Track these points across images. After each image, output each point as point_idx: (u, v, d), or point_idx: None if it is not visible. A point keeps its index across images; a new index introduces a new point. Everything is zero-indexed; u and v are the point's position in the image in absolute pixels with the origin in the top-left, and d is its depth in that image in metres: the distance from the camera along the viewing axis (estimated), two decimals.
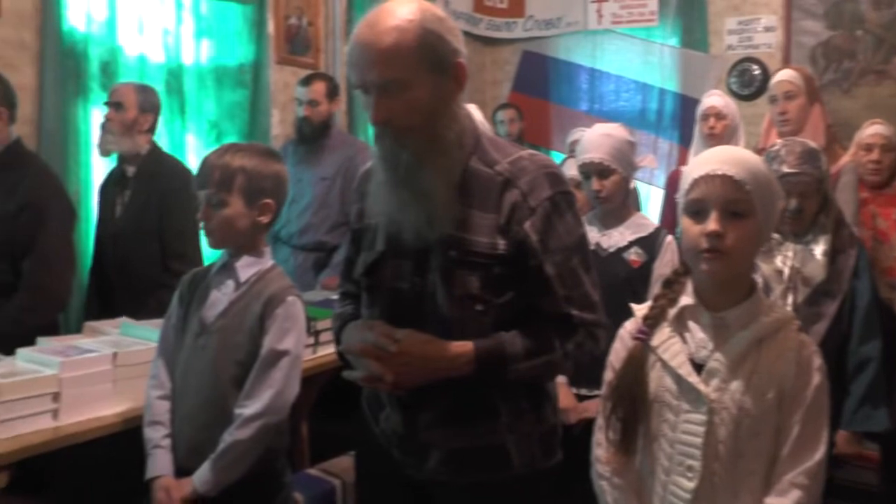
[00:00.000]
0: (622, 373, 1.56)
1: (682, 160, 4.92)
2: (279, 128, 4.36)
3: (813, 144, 2.34)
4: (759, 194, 1.46)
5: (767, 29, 5.26)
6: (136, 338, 2.32)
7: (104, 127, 3.04)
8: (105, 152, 3.09)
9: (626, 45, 5.71)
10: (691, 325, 1.53)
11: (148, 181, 3.01)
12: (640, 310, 1.60)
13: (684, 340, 1.53)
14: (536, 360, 1.53)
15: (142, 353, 2.19)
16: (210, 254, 2.66)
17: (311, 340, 2.62)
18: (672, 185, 3.81)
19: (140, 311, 2.64)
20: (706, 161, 1.50)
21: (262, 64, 4.23)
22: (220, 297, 2.01)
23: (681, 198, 1.53)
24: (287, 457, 2.12)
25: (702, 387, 1.47)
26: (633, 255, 2.45)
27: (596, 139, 2.49)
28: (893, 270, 3.21)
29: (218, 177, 1.94)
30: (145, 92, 3.11)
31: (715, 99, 3.60)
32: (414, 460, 1.63)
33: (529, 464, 1.61)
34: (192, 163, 3.45)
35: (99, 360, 2.13)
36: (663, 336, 1.54)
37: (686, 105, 5.18)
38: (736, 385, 1.46)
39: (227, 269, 2.03)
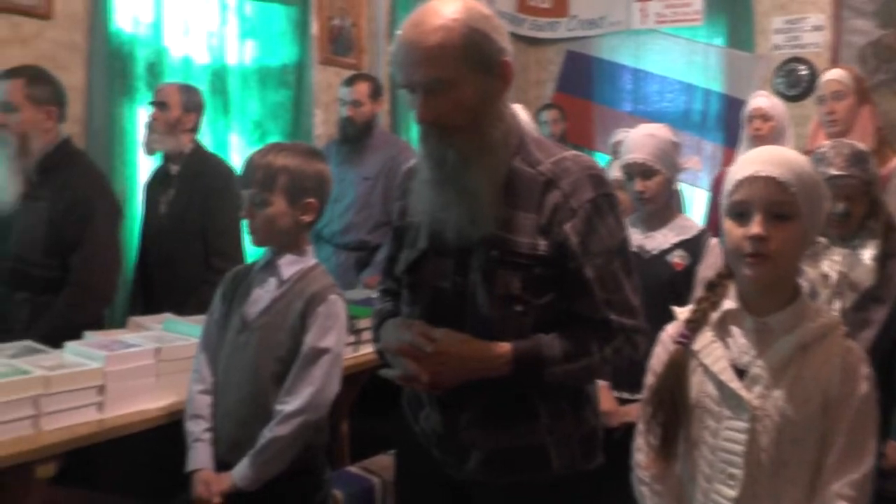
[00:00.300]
0: (663, 377, 1.53)
1: (727, 162, 4.85)
2: (322, 128, 4.39)
3: (861, 146, 2.29)
4: (805, 196, 1.42)
5: (815, 28, 5.17)
6: (179, 333, 2.35)
7: (149, 126, 3.10)
8: (150, 151, 3.15)
9: (670, 45, 5.66)
10: (734, 329, 1.50)
11: (191, 180, 3.06)
12: (681, 313, 1.58)
13: (726, 345, 1.50)
14: (574, 363, 1.52)
15: (184, 349, 2.22)
16: (252, 251, 2.69)
17: (353, 339, 2.63)
18: (717, 187, 3.76)
19: (183, 307, 2.69)
20: (750, 162, 1.47)
21: (305, 64, 4.26)
22: (263, 294, 2.03)
23: (724, 199, 1.50)
24: (327, 454, 2.13)
25: (744, 393, 1.44)
26: (677, 258, 2.42)
27: (640, 139, 2.47)
28: None
29: (261, 176, 1.96)
30: (189, 92, 3.16)
31: (761, 100, 3.55)
32: (453, 460, 1.62)
33: (569, 465, 1.59)
34: (236, 162, 3.50)
35: (143, 354, 2.16)
36: (705, 340, 1.51)
37: (731, 106, 5.12)
38: (779, 392, 1.43)
39: (269, 266, 2.05)
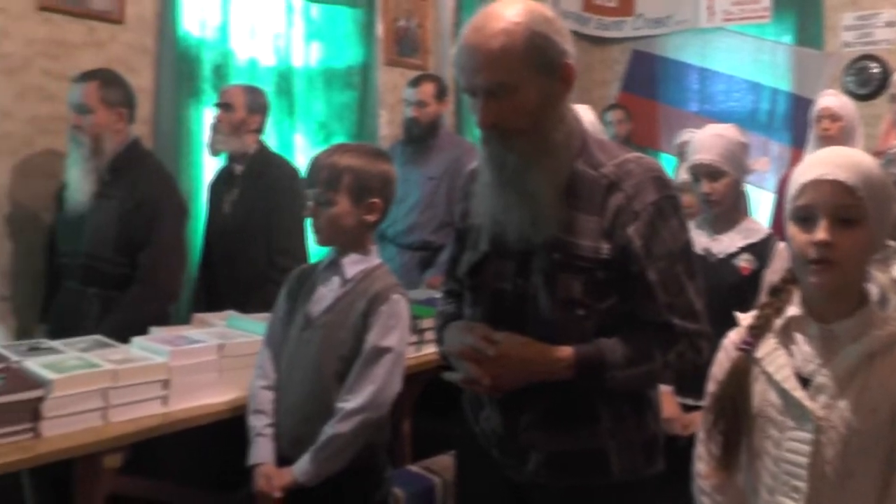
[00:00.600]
0: (725, 385, 1.50)
1: (794, 163, 4.72)
2: (387, 128, 4.42)
3: None
4: (873, 200, 1.37)
5: (889, 24, 5.01)
6: (242, 330, 2.39)
7: (214, 127, 3.17)
8: (215, 152, 3.22)
9: (737, 43, 5.55)
10: (798, 336, 1.46)
11: (255, 180, 3.11)
12: (744, 319, 1.54)
13: (790, 353, 1.45)
14: (636, 368, 1.50)
15: (247, 346, 2.26)
16: (315, 251, 2.73)
17: (415, 339, 2.64)
18: (783, 189, 3.67)
19: (246, 304, 2.73)
20: (815, 164, 1.42)
21: (370, 65, 4.30)
22: (326, 293, 2.05)
23: (788, 203, 1.46)
24: (388, 453, 2.14)
25: (808, 403, 1.40)
26: (744, 262, 2.37)
27: (707, 140, 2.43)
28: None
29: (326, 176, 1.99)
30: (253, 93, 3.21)
31: (830, 99, 3.46)
32: (513, 461, 1.62)
33: (630, 471, 1.58)
34: (301, 162, 3.53)
35: (206, 350, 2.20)
36: (768, 347, 1.47)
37: (799, 105, 5.00)
38: (845, 402, 1.38)
39: (333, 265, 2.07)
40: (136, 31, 3.37)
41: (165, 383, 2.11)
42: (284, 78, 3.89)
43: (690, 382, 2.12)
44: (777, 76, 5.34)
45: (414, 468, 2.66)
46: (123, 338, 2.30)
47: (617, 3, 6.04)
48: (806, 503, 1.39)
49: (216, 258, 3.19)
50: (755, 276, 2.34)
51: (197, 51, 3.52)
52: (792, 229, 1.43)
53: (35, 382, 1.92)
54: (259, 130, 3.20)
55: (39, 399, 1.88)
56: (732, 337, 1.56)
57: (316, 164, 2.03)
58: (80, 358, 2.09)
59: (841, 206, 1.37)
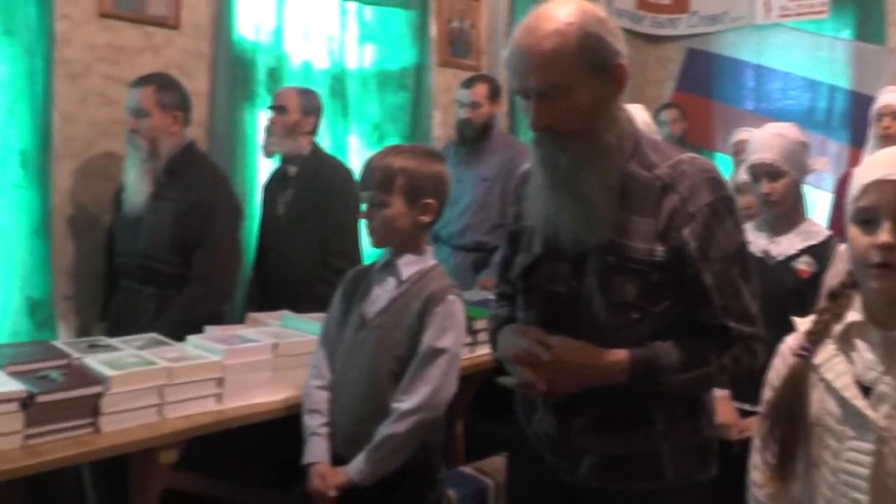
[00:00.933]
0: (781, 392, 1.46)
1: (854, 163, 4.62)
2: (440, 129, 4.43)
3: None
4: None
5: None
6: (296, 330, 2.41)
7: (268, 129, 3.20)
8: (268, 154, 3.25)
9: (794, 40, 5.43)
10: (859, 343, 1.41)
11: (309, 181, 3.14)
12: (802, 324, 1.50)
13: (850, 360, 1.40)
14: (691, 372, 1.48)
15: (301, 345, 2.28)
16: (370, 251, 2.74)
17: (469, 340, 2.63)
18: (842, 189, 3.59)
19: (299, 304, 2.75)
20: (878, 164, 1.38)
21: (424, 67, 4.31)
22: (382, 293, 2.06)
23: (849, 204, 1.42)
24: (442, 454, 2.15)
25: (869, 412, 1.34)
26: (803, 265, 2.32)
27: (767, 139, 2.38)
28: None
29: (380, 178, 2.00)
30: (307, 95, 3.24)
31: (892, 96, 3.37)
32: (566, 464, 1.61)
33: (683, 475, 1.56)
34: (355, 164, 3.56)
35: (260, 349, 2.23)
36: (827, 354, 1.43)
37: (859, 103, 4.86)
38: None
39: (389, 266, 2.08)
40: (191, 36, 3.44)
41: (220, 381, 2.14)
42: (338, 80, 3.92)
43: (746, 387, 2.08)
44: (835, 73, 5.21)
45: (466, 469, 2.66)
46: (178, 336, 2.34)
47: (671, 0, 5.96)
48: None
49: (270, 258, 3.23)
50: (814, 280, 2.29)
51: (251, 54, 3.57)
52: (853, 231, 1.38)
53: (95, 379, 1.96)
54: (313, 132, 3.23)
55: (99, 395, 1.93)
56: (790, 342, 1.51)
57: (370, 167, 2.04)
58: (137, 355, 2.13)
59: None
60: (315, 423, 2.05)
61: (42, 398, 1.84)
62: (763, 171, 2.35)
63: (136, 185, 2.78)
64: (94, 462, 2.06)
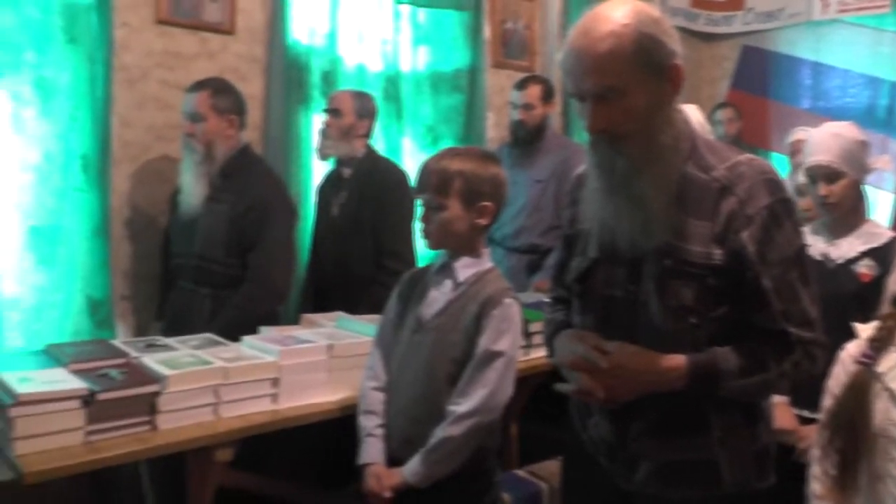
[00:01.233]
0: (842, 401, 1.42)
1: None
2: (494, 131, 4.42)
3: None
4: None
5: None
6: (351, 331, 2.43)
7: (323, 132, 3.22)
8: (323, 156, 3.28)
9: (853, 36, 5.30)
10: None
11: (363, 183, 3.15)
12: (864, 330, 1.46)
13: None
14: (750, 378, 1.46)
15: (356, 346, 2.29)
16: (424, 253, 2.74)
17: (524, 343, 2.61)
18: None
19: (354, 306, 2.77)
20: None
21: (478, 68, 4.31)
22: (439, 296, 2.06)
23: None
24: (497, 457, 2.14)
25: None
26: (864, 268, 2.26)
27: (824, 140, 2.33)
28: None
29: (436, 181, 1.99)
30: (362, 98, 3.25)
31: None
32: (623, 470, 1.60)
33: (741, 482, 1.53)
34: (409, 166, 3.57)
35: (315, 350, 2.24)
36: (891, 362, 1.39)
37: None
38: None
39: (446, 269, 2.07)
40: (246, 42, 3.48)
41: (275, 381, 2.16)
42: (392, 83, 3.93)
43: (805, 393, 2.04)
44: None
45: (521, 473, 2.65)
46: (234, 336, 2.36)
47: None
48: None
49: (324, 260, 3.25)
50: (876, 284, 2.23)
51: (306, 58, 3.60)
52: None
53: (152, 378, 1.99)
54: (367, 135, 3.25)
55: (156, 394, 1.96)
56: (851, 350, 1.48)
57: (426, 170, 2.04)
58: (194, 355, 2.16)
59: None
60: (371, 424, 2.06)
61: (102, 396, 1.88)
62: (820, 174, 2.30)
63: (192, 188, 2.82)
64: (151, 460, 2.09)
